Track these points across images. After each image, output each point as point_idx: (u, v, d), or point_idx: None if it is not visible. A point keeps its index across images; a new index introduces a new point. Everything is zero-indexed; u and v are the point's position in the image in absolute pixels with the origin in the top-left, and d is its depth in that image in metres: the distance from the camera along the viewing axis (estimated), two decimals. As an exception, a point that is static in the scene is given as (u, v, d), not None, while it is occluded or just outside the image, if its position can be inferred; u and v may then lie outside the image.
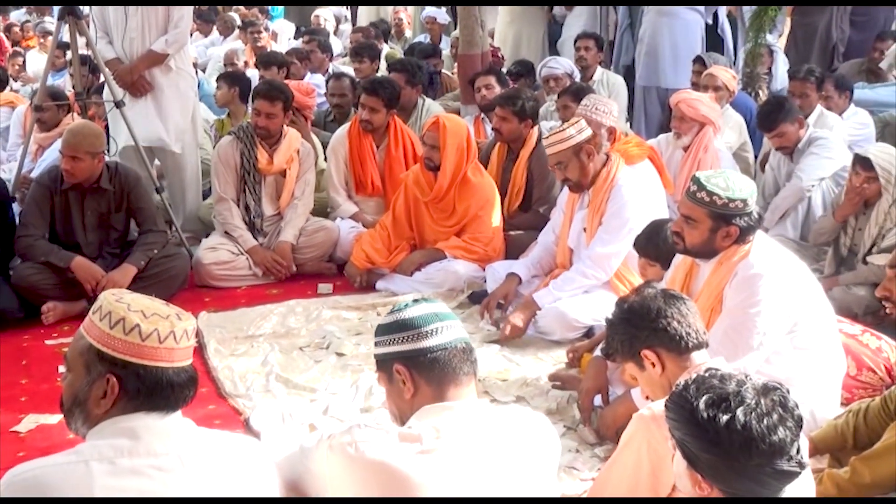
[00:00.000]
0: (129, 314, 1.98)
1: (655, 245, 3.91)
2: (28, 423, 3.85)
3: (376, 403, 3.89)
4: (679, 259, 3.59)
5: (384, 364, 2.27)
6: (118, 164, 5.33)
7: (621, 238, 4.39)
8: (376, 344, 2.30)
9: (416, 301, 2.29)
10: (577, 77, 7.08)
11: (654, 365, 2.60)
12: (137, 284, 4.76)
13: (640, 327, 2.61)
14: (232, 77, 7.51)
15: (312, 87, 6.96)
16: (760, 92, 7.29)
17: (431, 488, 2.02)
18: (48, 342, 4.70)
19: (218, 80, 7.45)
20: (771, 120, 5.42)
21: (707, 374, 1.98)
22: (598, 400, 3.63)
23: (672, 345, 2.58)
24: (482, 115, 6.60)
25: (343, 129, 5.95)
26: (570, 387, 3.84)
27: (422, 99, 6.60)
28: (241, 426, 3.74)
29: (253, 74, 8.51)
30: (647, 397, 2.83)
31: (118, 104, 5.70)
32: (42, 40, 11.78)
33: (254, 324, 4.82)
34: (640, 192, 4.49)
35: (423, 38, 10.79)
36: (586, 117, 4.91)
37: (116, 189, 5.14)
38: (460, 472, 2.06)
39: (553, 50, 8.85)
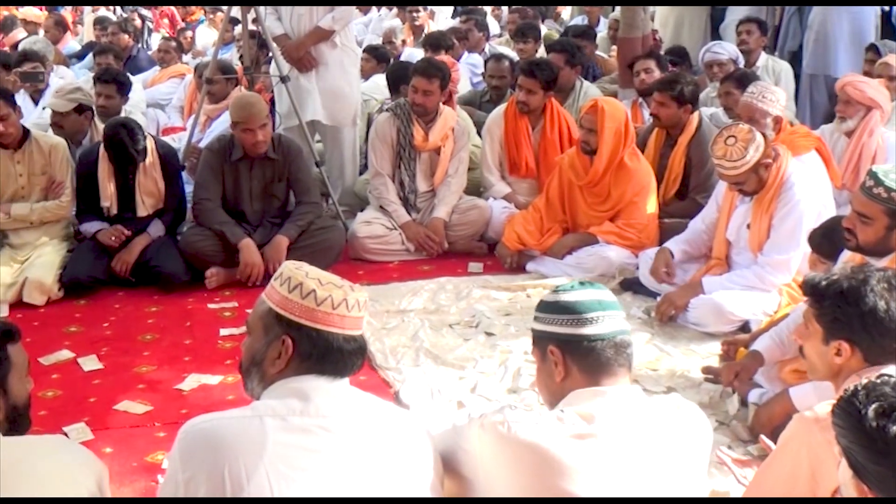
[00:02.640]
0: (306, 280, 2.07)
1: (831, 242, 3.76)
2: (191, 381, 4.04)
3: (524, 385, 3.90)
4: (848, 255, 3.45)
5: (539, 341, 2.25)
6: (282, 136, 5.53)
7: (797, 240, 4.21)
8: (535, 319, 2.27)
9: (581, 284, 2.25)
10: (741, 63, 6.86)
11: (838, 354, 2.48)
12: (293, 254, 4.91)
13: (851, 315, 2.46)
14: (377, 54, 7.67)
15: (453, 62, 6.96)
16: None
17: (584, 473, 2.01)
18: (210, 306, 4.90)
19: (364, 51, 7.58)
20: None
21: (879, 381, 1.87)
22: (752, 396, 3.54)
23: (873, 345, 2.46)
24: (640, 99, 6.48)
25: (499, 110, 5.95)
26: (724, 381, 3.75)
27: (580, 81, 6.53)
28: (390, 398, 3.81)
29: (410, 53, 8.63)
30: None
31: (284, 79, 5.87)
32: (211, 15, 12.23)
33: (405, 298, 4.90)
34: (811, 189, 4.32)
35: (581, 19, 10.66)
36: (752, 105, 4.76)
37: (280, 159, 5.31)
38: (613, 459, 2.04)
39: (715, 34, 8.58)
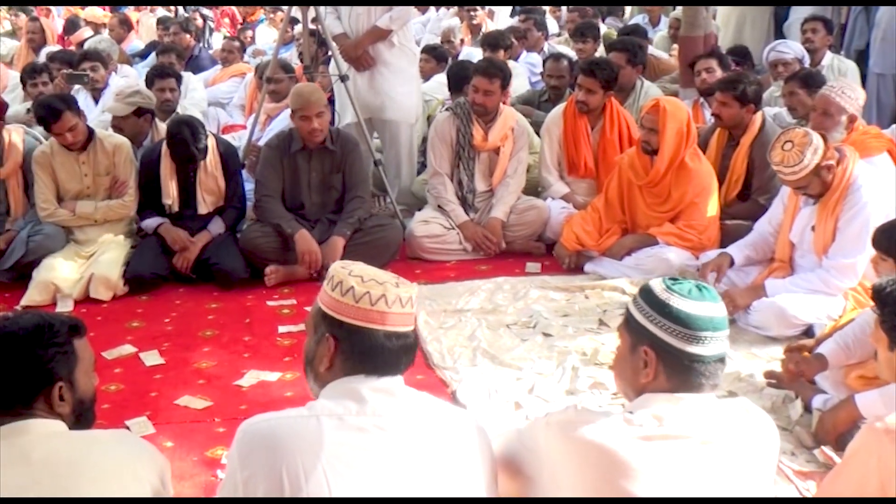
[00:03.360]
0: (347, 278, 2.08)
1: (891, 239, 3.67)
2: (250, 378, 4.07)
3: (582, 387, 3.88)
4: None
5: (635, 332, 2.13)
6: (340, 130, 5.59)
7: (864, 244, 4.10)
8: (638, 307, 2.12)
9: (699, 288, 2.10)
10: (807, 62, 6.74)
11: None
12: (351, 252, 4.95)
13: None
14: (436, 54, 7.68)
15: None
16: None
17: (650, 475, 1.98)
18: (269, 303, 4.94)
19: (423, 51, 7.59)
20: None
21: None
22: (816, 401, 3.47)
23: None
24: (701, 99, 6.39)
25: (558, 110, 5.91)
26: (787, 386, 3.68)
27: (640, 80, 6.46)
28: (447, 398, 3.80)
29: (468, 52, 8.62)
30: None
31: (343, 78, 5.90)
32: (271, 15, 12.34)
33: (462, 298, 4.89)
34: (879, 191, 4.22)
35: (642, 18, 10.57)
36: (829, 98, 4.67)
37: (338, 151, 5.36)
38: (681, 462, 2.01)
39: (779, 32, 8.45)
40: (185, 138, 5.17)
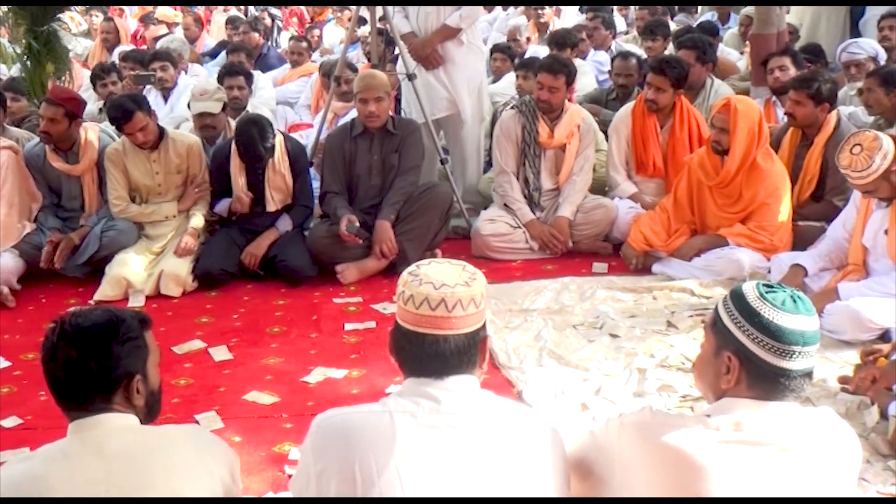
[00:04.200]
0: (409, 284, 2.06)
1: None
2: (317, 374, 4.10)
3: (650, 389, 3.83)
4: None
5: (722, 336, 2.06)
6: (402, 116, 5.65)
7: None
8: (727, 310, 2.05)
9: (793, 300, 2.02)
10: (882, 59, 6.57)
11: None
12: (400, 224, 5.24)
13: None
14: (509, 53, 7.66)
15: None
16: None
17: (726, 481, 1.94)
18: (336, 300, 4.98)
19: (493, 51, 7.57)
20: None
21: None
22: (893, 408, 3.38)
23: None
24: (774, 97, 6.27)
25: (627, 108, 5.85)
26: (862, 391, 3.58)
27: (710, 79, 6.35)
28: (513, 398, 3.78)
29: (535, 51, 8.57)
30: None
31: (410, 76, 5.92)
32: (339, 14, 12.42)
33: (528, 298, 4.87)
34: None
35: (711, 15, 10.41)
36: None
37: (399, 134, 5.42)
38: (758, 469, 1.96)
39: (854, 30, 8.25)
40: (253, 137, 5.22)
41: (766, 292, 2.03)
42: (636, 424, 2.03)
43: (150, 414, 2.20)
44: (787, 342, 1.97)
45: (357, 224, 5.15)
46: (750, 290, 2.05)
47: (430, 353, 2.04)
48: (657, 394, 3.79)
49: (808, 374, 2.02)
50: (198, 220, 5.42)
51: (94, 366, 2.05)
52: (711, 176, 5.14)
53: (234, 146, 5.36)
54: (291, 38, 9.80)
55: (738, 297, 2.05)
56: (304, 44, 9.37)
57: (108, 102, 6.90)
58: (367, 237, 5.20)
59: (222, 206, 5.45)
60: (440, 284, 2.04)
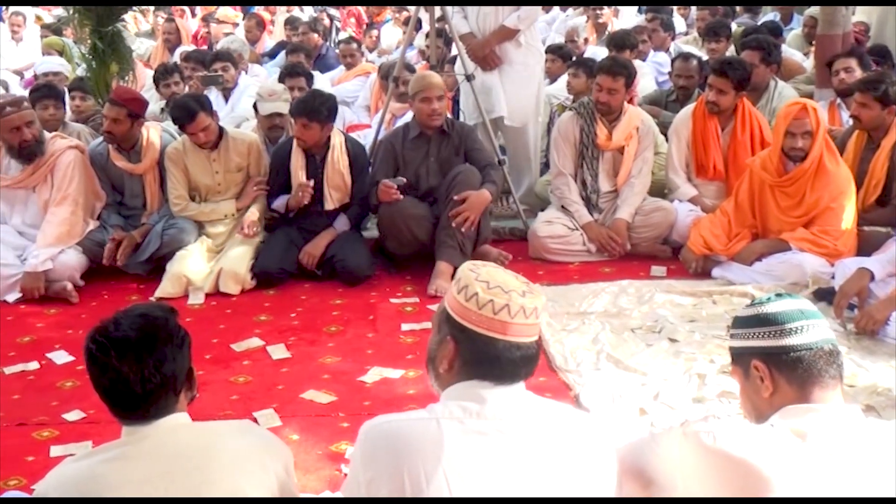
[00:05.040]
0: (473, 283, 2.04)
1: None
2: (373, 374, 4.11)
3: (709, 394, 3.78)
4: None
5: (741, 358, 2.16)
6: (457, 117, 5.62)
7: None
8: (732, 336, 2.20)
9: (778, 295, 2.17)
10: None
11: None
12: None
13: None
14: (562, 53, 7.62)
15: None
16: None
17: (791, 491, 1.90)
18: (393, 300, 4.99)
19: (547, 51, 7.54)
20: None
21: None
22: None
23: None
24: (838, 100, 6.16)
25: (687, 110, 5.79)
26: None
27: (774, 81, 6.24)
28: (570, 401, 3.75)
29: (593, 52, 8.52)
30: None
31: (469, 77, 5.91)
32: (397, 14, 12.47)
33: (585, 300, 4.83)
34: None
35: (773, 16, 10.26)
36: None
37: (455, 136, 5.42)
38: (825, 480, 1.92)
39: (923, 30, 8.08)
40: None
41: (753, 302, 2.20)
42: (698, 433, 2.00)
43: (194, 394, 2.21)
44: (789, 320, 2.07)
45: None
46: (741, 310, 2.23)
47: (502, 359, 2.02)
48: (717, 400, 3.73)
49: (833, 349, 2.08)
50: (253, 212, 5.47)
51: (163, 376, 2.05)
52: (773, 174, 5.05)
53: (295, 143, 5.40)
54: (340, 41, 9.80)
55: (735, 319, 2.22)
56: (355, 45, 9.35)
57: (170, 102, 7.02)
58: (405, 185, 5.21)
59: (280, 203, 5.47)
60: (509, 289, 2.03)
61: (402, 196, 5.17)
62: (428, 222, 5.24)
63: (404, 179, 5.16)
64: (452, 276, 2.40)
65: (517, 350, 2.03)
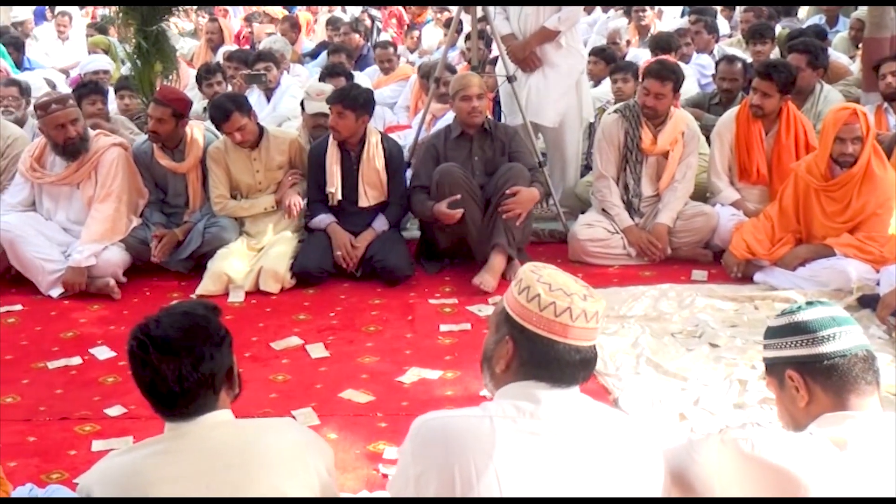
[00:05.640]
0: (535, 284, 2.03)
1: None
2: (411, 375, 4.11)
3: (751, 401, 3.73)
4: None
5: (775, 368, 2.15)
6: (498, 118, 5.60)
7: None
8: (766, 347, 2.19)
9: (809, 303, 2.14)
10: None
11: None
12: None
13: None
14: (605, 55, 7.58)
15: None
16: None
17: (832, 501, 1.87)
18: (431, 301, 4.99)
19: (590, 54, 7.51)
20: None
21: None
22: None
23: None
24: (885, 104, 6.06)
25: (731, 113, 5.72)
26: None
27: (820, 84, 6.16)
28: (609, 405, 3.71)
29: (635, 54, 8.48)
30: None
31: (510, 79, 5.89)
32: (438, 15, 12.48)
33: (625, 304, 4.80)
34: None
35: (818, 19, 10.13)
36: None
37: (497, 136, 5.44)
38: (865, 489, 1.89)
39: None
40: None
41: (784, 311, 2.17)
42: (736, 441, 1.98)
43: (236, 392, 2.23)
44: (821, 328, 2.05)
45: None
46: (772, 320, 2.20)
47: (561, 362, 2.01)
48: (758, 406, 3.69)
49: (868, 355, 2.05)
50: (291, 193, 5.51)
51: (201, 374, 2.06)
52: (820, 180, 4.98)
53: (331, 138, 5.42)
54: (376, 45, 9.76)
55: (767, 330, 2.19)
56: (390, 49, 9.25)
57: (209, 102, 7.08)
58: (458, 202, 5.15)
59: (318, 223, 5.45)
60: (571, 292, 2.02)
61: (461, 211, 5.15)
62: (479, 213, 5.22)
63: (458, 196, 5.13)
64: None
65: (576, 353, 2.02)
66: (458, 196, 5.13)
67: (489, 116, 5.54)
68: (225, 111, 5.36)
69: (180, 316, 2.12)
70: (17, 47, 9.99)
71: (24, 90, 6.73)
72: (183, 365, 2.04)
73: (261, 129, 5.55)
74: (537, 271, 2.07)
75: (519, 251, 5.24)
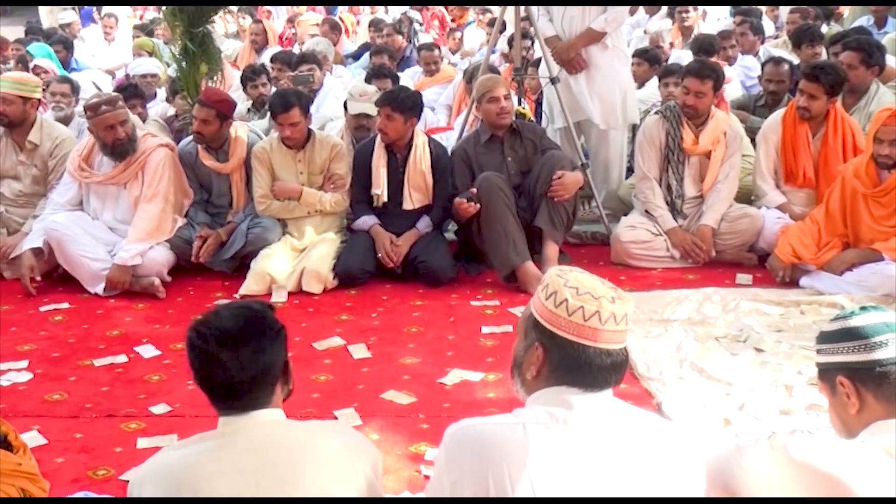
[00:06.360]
0: (562, 289, 2.01)
1: None
2: (453, 376, 4.10)
3: (797, 407, 3.68)
4: None
5: (827, 374, 2.14)
6: (540, 120, 5.64)
7: None
8: (818, 352, 2.18)
9: (863, 309, 2.13)
10: None
11: None
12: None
13: None
14: (648, 57, 7.53)
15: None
16: None
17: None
18: (473, 303, 4.98)
19: (635, 55, 7.46)
20: None
21: None
22: None
23: None
24: (937, 106, 5.95)
25: (777, 115, 5.65)
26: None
27: (875, 84, 6.01)
28: (652, 409, 3.69)
29: (678, 55, 8.40)
30: None
31: (553, 80, 5.87)
32: (481, 17, 12.46)
33: (668, 307, 4.76)
34: None
35: (866, 20, 9.98)
36: None
37: (527, 136, 5.46)
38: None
39: None
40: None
41: (838, 315, 2.18)
42: (786, 447, 1.97)
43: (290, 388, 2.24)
44: (874, 334, 2.05)
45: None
46: (826, 325, 2.20)
47: (592, 366, 1.99)
48: (805, 412, 3.64)
49: None
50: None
51: (258, 366, 2.08)
52: (868, 184, 4.91)
53: (378, 140, 5.44)
54: (421, 47, 9.76)
55: (820, 335, 2.19)
56: (434, 51, 9.24)
57: (255, 101, 7.15)
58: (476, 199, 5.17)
59: (361, 225, 5.48)
60: (599, 295, 2.00)
61: (478, 205, 5.16)
62: (514, 224, 5.18)
63: (474, 190, 5.14)
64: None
65: (607, 357, 2.00)
66: (474, 190, 5.16)
67: (514, 119, 5.53)
68: (286, 103, 5.39)
69: (238, 309, 2.16)
70: (66, 46, 10.13)
71: (75, 88, 6.86)
72: (242, 355, 2.06)
73: (309, 132, 5.58)
74: (563, 275, 2.05)
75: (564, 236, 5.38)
